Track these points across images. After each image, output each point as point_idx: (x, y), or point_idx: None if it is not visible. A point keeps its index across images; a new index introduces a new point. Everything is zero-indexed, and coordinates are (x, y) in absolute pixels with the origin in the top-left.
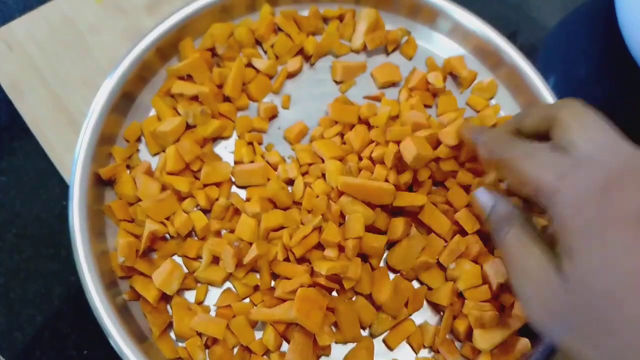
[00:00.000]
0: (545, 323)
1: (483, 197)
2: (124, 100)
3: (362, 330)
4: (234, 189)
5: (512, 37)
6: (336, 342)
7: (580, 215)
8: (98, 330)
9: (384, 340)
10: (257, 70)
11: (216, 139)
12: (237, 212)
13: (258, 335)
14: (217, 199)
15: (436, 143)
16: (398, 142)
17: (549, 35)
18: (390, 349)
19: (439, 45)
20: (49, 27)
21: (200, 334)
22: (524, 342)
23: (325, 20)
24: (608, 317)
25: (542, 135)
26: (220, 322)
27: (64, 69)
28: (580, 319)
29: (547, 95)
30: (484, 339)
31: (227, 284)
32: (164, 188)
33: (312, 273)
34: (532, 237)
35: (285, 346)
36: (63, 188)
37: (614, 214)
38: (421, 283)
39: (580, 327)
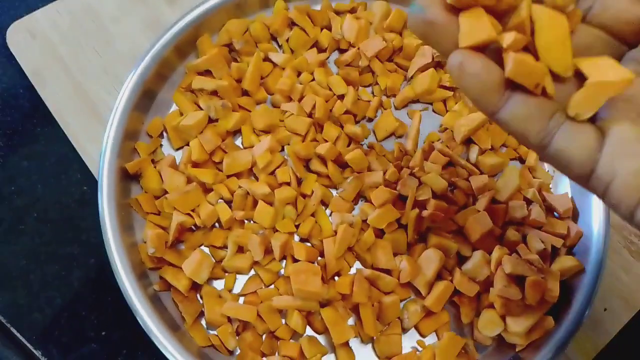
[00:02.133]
0: None
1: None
2: (145, 98)
3: None
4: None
5: None
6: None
7: None
8: (115, 312)
9: (416, 327)
10: (274, 64)
11: (236, 132)
12: (257, 201)
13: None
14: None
15: None
16: None
17: None
18: (423, 336)
19: None
20: (71, 16)
21: (230, 321)
22: (549, 320)
23: (338, 13)
24: None
25: None
26: (251, 308)
27: (86, 58)
28: None
29: None
30: (517, 323)
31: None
32: (189, 180)
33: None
34: None
35: (309, 330)
36: (84, 174)
37: None
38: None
39: None
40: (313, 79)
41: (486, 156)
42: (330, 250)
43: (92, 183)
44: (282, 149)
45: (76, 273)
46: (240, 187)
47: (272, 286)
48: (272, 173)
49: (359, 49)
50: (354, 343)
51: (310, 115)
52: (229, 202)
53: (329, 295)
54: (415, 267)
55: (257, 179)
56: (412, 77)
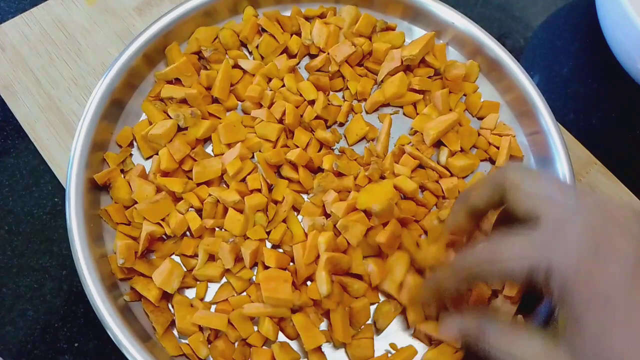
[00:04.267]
0: None
1: (447, 330)
2: (114, 107)
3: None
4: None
5: (500, 39)
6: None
7: (580, 287)
8: (88, 323)
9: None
10: (244, 71)
11: (207, 139)
12: (227, 209)
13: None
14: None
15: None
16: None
17: (533, 35)
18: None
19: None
20: (41, 28)
21: (202, 330)
22: (519, 319)
23: (307, 19)
24: None
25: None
26: (222, 316)
27: (56, 70)
28: None
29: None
30: None
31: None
32: (158, 190)
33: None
34: (514, 327)
35: (282, 337)
36: (55, 185)
37: (613, 272)
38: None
39: None
40: (283, 85)
41: (456, 158)
42: (300, 256)
43: (63, 195)
44: (253, 156)
45: (48, 285)
46: (210, 195)
47: (244, 293)
48: (243, 180)
49: (328, 54)
50: (327, 348)
51: (280, 121)
52: (199, 211)
53: (301, 301)
54: (384, 269)
55: (227, 186)
56: (382, 81)
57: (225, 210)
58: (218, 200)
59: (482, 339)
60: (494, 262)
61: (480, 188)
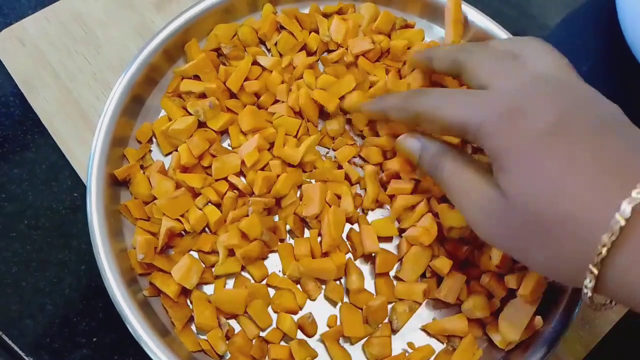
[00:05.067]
0: (491, 236)
1: (409, 142)
2: (134, 103)
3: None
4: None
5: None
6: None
7: (500, 139)
8: (106, 317)
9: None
10: (263, 68)
11: (224, 134)
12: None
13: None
14: (226, 192)
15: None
16: None
17: (552, 34)
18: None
19: (439, 38)
20: (60, 23)
21: (220, 326)
22: (537, 319)
23: (326, 16)
24: (540, 229)
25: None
26: (240, 298)
27: (75, 64)
28: (518, 230)
29: None
30: (512, 331)
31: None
32: (178, 186)
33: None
34: (467, 163)
35: (300, 334)
36: (74, 180)
37: (524, 135)
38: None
39: (519, 237)
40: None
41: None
42: (327, 224)
43: (82, 189)
44: (270, 147)
45: (67, 279)
46: (231, 190)
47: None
48: (262, 169)
49: (347, 48)
50: (344, 346)
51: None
52: (217, 206)
53: None
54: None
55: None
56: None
57: (243, 205)
58: (238, 196)
59: (438, 167)
60: (436, 112)
61: (441, 58)
